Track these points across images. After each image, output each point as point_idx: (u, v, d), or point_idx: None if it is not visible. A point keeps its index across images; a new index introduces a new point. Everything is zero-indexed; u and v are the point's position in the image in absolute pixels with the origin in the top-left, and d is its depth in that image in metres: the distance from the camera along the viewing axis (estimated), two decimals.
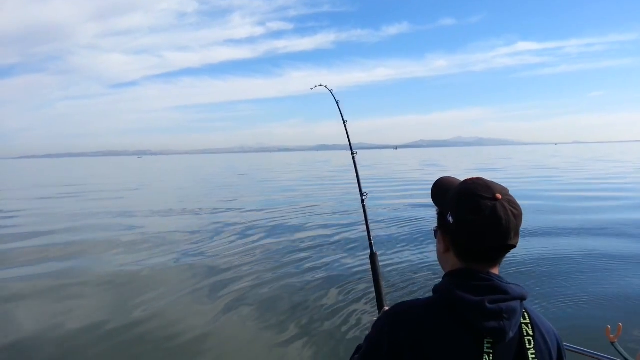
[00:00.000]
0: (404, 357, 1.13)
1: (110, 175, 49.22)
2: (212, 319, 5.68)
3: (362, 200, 2.38)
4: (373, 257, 2.04)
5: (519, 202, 1.19)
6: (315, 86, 3.20)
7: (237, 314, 5.86)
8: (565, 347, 2.18)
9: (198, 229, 12.32)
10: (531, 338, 1.17)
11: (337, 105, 3.07)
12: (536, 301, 5.67)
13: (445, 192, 1.31)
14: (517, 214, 1.17)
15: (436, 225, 1.35)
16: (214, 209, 16.52)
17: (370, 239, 2.16)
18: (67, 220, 14.85)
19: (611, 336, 2.14)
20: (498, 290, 1.14)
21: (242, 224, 12.83)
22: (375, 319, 1.73)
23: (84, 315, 5.97)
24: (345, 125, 2.89)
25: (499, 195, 1.16)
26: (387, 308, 1.76)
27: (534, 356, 1.16)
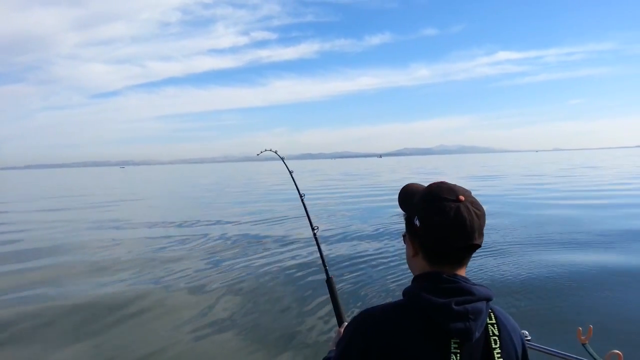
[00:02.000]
0: (372, 357, 1.16)
1: (90, 187, 48.37)
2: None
3: (314, 234, 2.52)
4: (329, 282, 2.18)
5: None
6: (263, 151, 3.47)
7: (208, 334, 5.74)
8: (536, 347, 2.28)
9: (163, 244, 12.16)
10: (497, 338, 1.21)
11: (284, 162, 3.45)
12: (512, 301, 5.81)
13: (411, 197, 1.34)
14: (480, 214, 1.22)
15: (404, 230, 1.37)
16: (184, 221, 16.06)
17: (325, 266, 2.31)
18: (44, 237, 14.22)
19: (582, 337, 2.19)
20: (464, 291, 1.18)
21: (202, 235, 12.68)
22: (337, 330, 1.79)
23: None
24: (292, 176, 3.15)
25: (462, 197, 1.20)
26: (345, 322, 1.84)
27: (499, 355, 1.20)
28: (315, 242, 2.47)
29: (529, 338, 2.29)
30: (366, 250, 9.66)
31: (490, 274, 7.30)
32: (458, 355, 1.14)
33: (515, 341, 1.26)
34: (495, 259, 8.23)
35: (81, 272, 8.92)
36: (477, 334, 1.16)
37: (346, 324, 1.80)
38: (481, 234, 1.22)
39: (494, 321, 1.23)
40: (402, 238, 1.40)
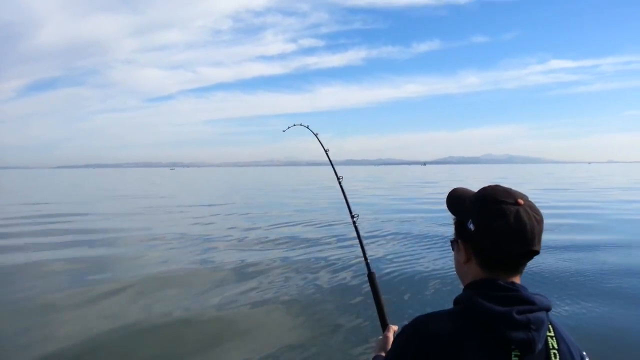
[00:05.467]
0: None
1: (145, 184, 50.86)
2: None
3: (354, 222, 2.36)
4: (371, 277, 2.04)
5: None
6: (292, 126, 3.39)
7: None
8: None
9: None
10: (556, 351, 1.13)
11: (317, 137, 3.24)
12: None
13: (462, 200, 1.28)
14: (540, 220, 1.15)
15: (454, 236, 1.31)
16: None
17: (366, 259, 2.16)
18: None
19: None
20: (524, 300, 1.11)
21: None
22: (382, 336, 1.68)
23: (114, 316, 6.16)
24: (327, 154, 3.03)
25: (521, 201, 1.14)
26: (392, 326, 1.72)
27: None
28: (355, 232, 2.30)
29: None
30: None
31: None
32: None
33: (575, 356, 1.18)
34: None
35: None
36: (540, 346, 1.09)
37: (392, 327, 1.70)
38: (540, 240, 1.15)
39: (552, 334, 1.16)
40: (450, 245, 1.33)
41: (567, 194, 28.67)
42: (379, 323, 1.85)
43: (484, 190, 1.23)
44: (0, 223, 16.79)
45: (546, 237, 1.25)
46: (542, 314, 1.12)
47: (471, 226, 1.19)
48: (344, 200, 2.57)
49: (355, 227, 2.33)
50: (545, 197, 24.98)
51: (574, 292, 6.81)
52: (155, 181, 65.99)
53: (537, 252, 1.15)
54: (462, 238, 1.25)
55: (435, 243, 11.28)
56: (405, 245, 11.28)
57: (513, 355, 1.08)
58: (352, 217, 2.38)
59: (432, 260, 9.35)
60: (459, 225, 1.27)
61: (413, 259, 9.49)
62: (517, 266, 1.18)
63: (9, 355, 5.15)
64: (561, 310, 5.94)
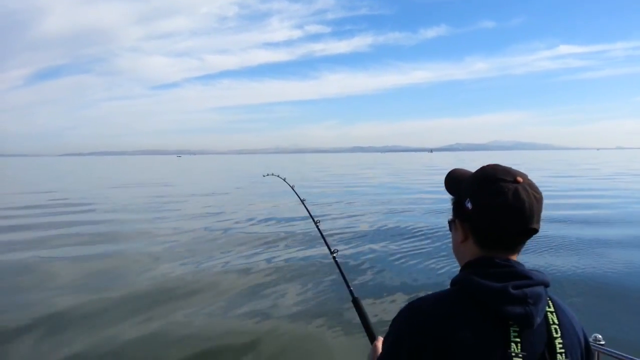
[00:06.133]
0: (431, 354, 1.06)
1: (153, 172, 51.13)
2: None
3: (334, 258, 2.54)
4: (356, 302, 2.10)
5: None
6: (268, 175, 3.71)
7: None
8: (611, 352, 2.12)
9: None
10: (557, 326, 1.12)
11: (293, 189, 3.57)
12: None
13: (460, 180, 1.27)
14: (539, 198, 1.13)
15: (451, 216, 1.29)
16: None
17: (348, 286, 2.25)
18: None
19: None
20: (520, 275, 1.10)
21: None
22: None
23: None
24: (304, 204, 3.33)
25: (520, 179, 1.12)
26: (380, 337, 1.68)
27: (561, 345, 1.10)
28: (335, 265, 2.47)
29: (603, 342, 2.16)
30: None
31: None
32: (519, 344, 1.05)
33: (578, 331, 1.16)
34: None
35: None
36: (538, 320, 1.07)
37: (380, 338, 1.65)
38: (539, 219, 1.13)
39: (552, 309, 1.14)
40: (448, 225, 1.31)
41: (580, 180, 28.21)
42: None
43: (482, 169, 1.21)
44: (19, 213, 16.94)
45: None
46: (539, 289, 1.10)
47: (469, 205, 1.17)
48: (321, 237, 2.87)
49: (335, 261, 2.51)
50: (559, 183, 24.59)
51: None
52: (173, 168, 66.39)
53: (536, 231, 1.13)
54: (459, 217, 1.24)
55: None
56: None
57: (512, 331, 1.06)
58: (332, 252, 2.58)
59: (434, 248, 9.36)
60: (457, 205, 1.26)
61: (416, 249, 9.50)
62: (516, 245, 1.16)
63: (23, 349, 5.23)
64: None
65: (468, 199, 1.18)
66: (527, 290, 1.07)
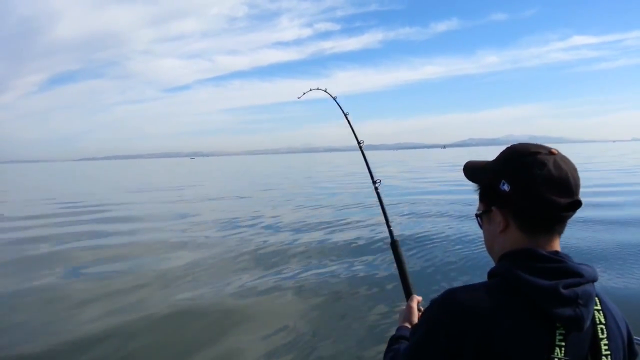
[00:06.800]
0: (465, 350, 0.98)
1: (169, 175, 51.81)
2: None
3: (376, 188, 2.21)
4: (394, 245, 1.94)
5: None
6: (308, 91, 3.04)
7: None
8: None
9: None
10: (604, 326, 1.05)
11: (335, 100, 2.92)
12: None
13: (483, 166, 1.20)
14: (575, 169, 1.07)
15: (480, 208, 1.20)
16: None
17: (389, 227, 2.05)
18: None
19: None
20: (571, 272, 1.01)
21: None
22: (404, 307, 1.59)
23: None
24: (347, 119, 2.78)
25: (554, 151, 1.07)
26: (415, 296, 1.63)
27: (606, 347, 1.03)
28: (377, 197, 2.19)
29: None
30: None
31: None
32: (563, 348, 0.98)
33: (622, 330, 1.09)
34: None
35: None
36: (588, 322, 0.99)
37: (417, 297, 1.60)
38: (579, 191, 1.05)
39: (599, 307, 1.06)
40: (477, 219, 1.21)
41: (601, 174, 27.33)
42: (402, 293, 1.78)
43: (511, 147, 1.14)
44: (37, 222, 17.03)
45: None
46: (590, 287, 1.01)
47: (505, 187, 1.08)
48: (366, 165, 2.46)
49: (377, 193, 2.21)
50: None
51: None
52: (191, 170, 66.59)
53: (581, 203, 1.05)
54: (495, 204, 1.12)
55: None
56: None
57: (558, 334, 0.99)
58: (374, 182, 2.24)
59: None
60: (489, 191, 1.15)
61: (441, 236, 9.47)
62: (562, 223, 1.08)
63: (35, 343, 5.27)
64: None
65: (503, 181, 1.08)
66: (579, 289, 0.99)
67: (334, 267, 7.91)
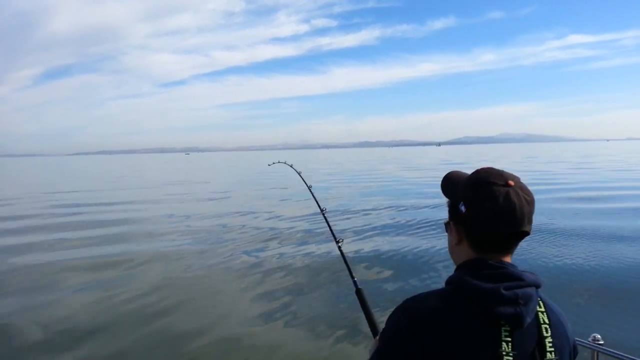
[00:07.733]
0: (423, 350, 1.11)
1: (162, 170, 51.76)
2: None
3: (339, 247, 2.51)
4: (359, 292, 2.11)
5: None
6: (273, 163, 3.85)
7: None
8: (611, 352, 2.09)
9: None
10: (548, 326, 1.16)
11: (300, 175, 3.49)
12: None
13: (455, 183, 1.31)
14: (530, 201, 1.17)
15: (447, 218, 1.34)
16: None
17: (352, 277, 2.23)
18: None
19: None
20: (512, 277, 1.14)
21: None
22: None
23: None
24: (310, 191, 3.22)
25: (511, 182, 1.16)
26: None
27: (551, 344, 1.15)
28: (340, 254, 2.45)
29: (602, 342, 2.13)
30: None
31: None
32: (509, 343, 1.10)
33: (568, 331, 1.22)
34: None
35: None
36: (529, 319, 1.11)
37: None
38: (530, 221, 1.17)
39: (543, 309, 1.19)
40: (444, 227, 1.36)
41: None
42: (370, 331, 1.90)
43: (476, 172, 1.25)
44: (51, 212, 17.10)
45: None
46: (530, 290, 1.14)
47: (462, 208, 1.22)
48: (328, 227, 2.79)
49: (340, 251, 2.49)
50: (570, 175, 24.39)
51: None
52: (189, 167, 66.91)
53: (527, 233, 1.17)
54: (454, 220, 1.29)
55: None
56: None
57: (503, 331, 1.10)
58: (337, 242, 2.57)
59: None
60: (452, 208, 1.30)
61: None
62: (508, 247, 1.21)
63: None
64: None
65: (462, 203, 1.22)
66: (519, 291, 1.11)
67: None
